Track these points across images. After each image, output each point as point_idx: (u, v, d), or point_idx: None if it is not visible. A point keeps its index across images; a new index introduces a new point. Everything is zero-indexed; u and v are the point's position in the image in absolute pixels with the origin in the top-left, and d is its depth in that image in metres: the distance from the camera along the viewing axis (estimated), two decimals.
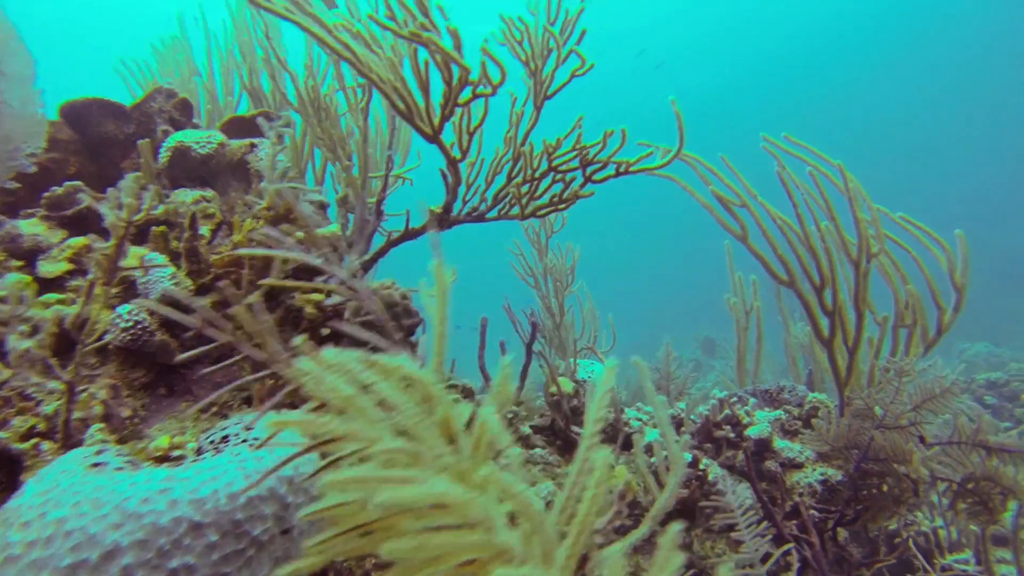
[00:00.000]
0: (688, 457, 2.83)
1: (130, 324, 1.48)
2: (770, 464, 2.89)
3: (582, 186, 1.84)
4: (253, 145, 2.06)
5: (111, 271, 1.26)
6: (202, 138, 1.91)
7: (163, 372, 1.63)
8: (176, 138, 1.91)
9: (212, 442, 1.11)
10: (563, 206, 1.86)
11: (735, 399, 3.28)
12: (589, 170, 1.76)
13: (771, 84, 38.78)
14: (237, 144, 2.03)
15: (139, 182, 1.23)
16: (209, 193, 1.94)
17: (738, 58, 36.20)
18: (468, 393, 2.52)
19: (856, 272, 2.59)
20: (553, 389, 3.06)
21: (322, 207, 2.29)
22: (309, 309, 1.79)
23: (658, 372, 3.79)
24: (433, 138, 1.73)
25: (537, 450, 2.84)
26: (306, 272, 1.92)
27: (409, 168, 2.52)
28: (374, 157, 2.40)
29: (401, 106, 1.65)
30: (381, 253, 2.10)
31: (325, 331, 1.78)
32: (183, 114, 2.03)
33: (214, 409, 1.65)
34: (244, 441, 1.08)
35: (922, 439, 2.51)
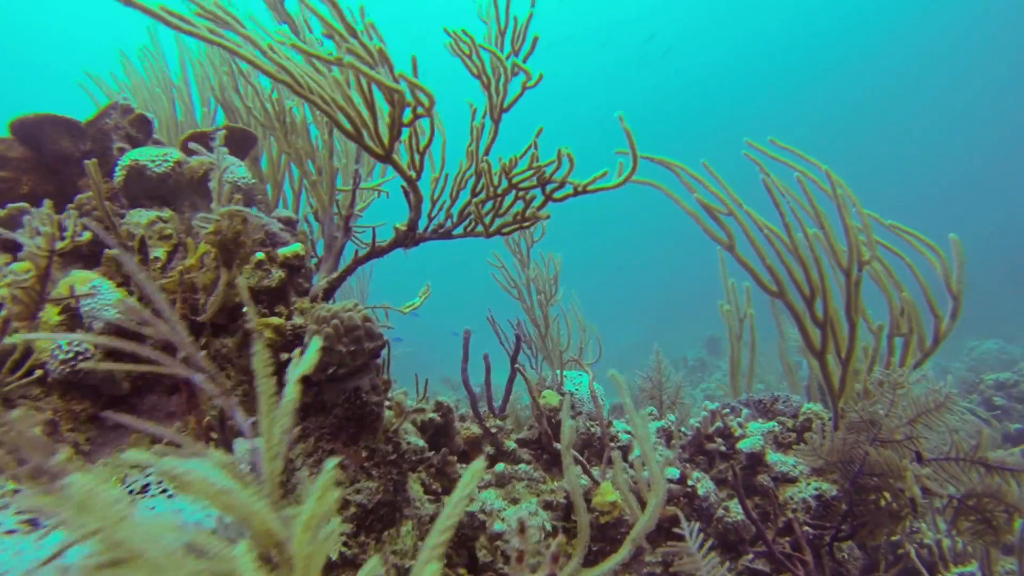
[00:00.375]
0: (676, 473, 2.73)
1: (70, 356, 1.41)
2: (763, 478, 2.79)
3: (542, 205, 1.76)
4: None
5: (36, 302, 1.18)
6: (158, 156, 1.84)
7: (112, 403, 1.56)
8: (131, 156, 1.84)
9: (132, 492, 1.03)
10: (527, 224, 1.77)
11: (728, 410, 3.18)
12: (548, 188, 1.67)
13: (773, 70, 38.23)
14: (198, 161, 1.96)
15: (51, 209, 1.15)
16: (167, 213, 1.86)
17: (742, 41, 35.61)
18: (446, 411, 2.44)
19: (847, 281, 2.49)
20: (541, 401, 2.98)
21: (289, 223, 2.22)
22: (268, 334, 1.72)
23: (650, 380, 3.69)
24: (385, 158, 1.65)
25: (522, 466, 2.75)
26: (268, 295, 1.85)
27: (384, 180, 2.44)
28: (348, 170, 2.32)
29: (348, 127, 1.57)
30: (348, 271, 2.02)
31: (285, 356, 1.70)
32: (140, 131, 1.96)
33: (165, 441, 1.58)
34: (164, 491, 1.01)
35: (919, 455, 2.41)
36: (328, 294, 2.04)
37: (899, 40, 34.33)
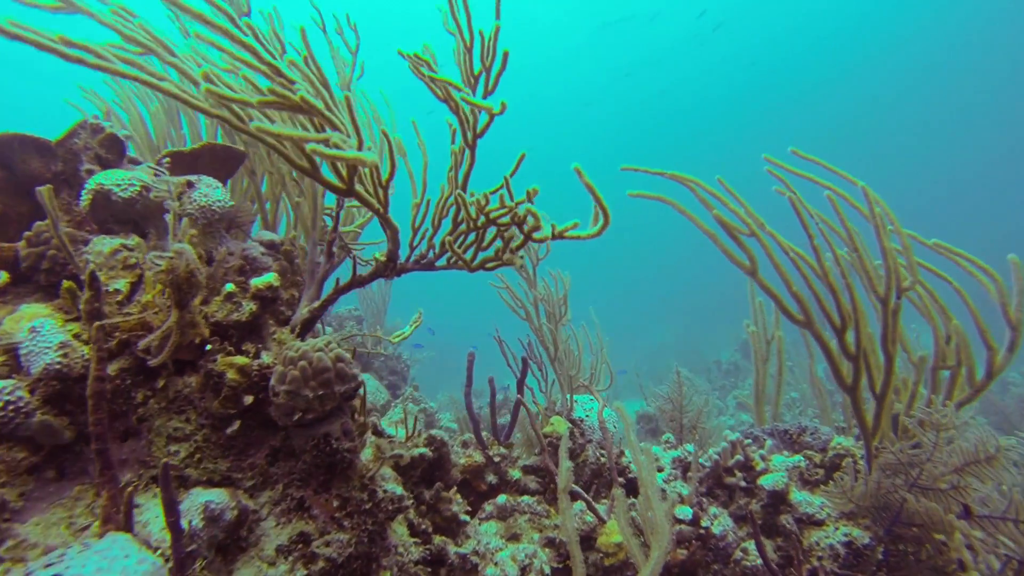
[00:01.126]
0: (688, 512, 2.50)
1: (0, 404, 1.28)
2: (786, 519, 2.53)
3: (520, 245, 1.55)
4: (190, 184, 1.85)
5: None
6: (123, 180, 1.71)
7: (54, 452, 1.43)
8: (96, 180, 1.71)
9: None
10: (508, 260, 1.58)
11: (750, 440, 2.93)
12: (525, 228, 1.47)
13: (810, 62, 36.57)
14: (165, 184, 1.82)
15: None
16: (133, 240, 1.74)
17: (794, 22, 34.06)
18: (439, 446, 2.27)
19: (884, 309, 2.21)
20: (548, 429, 2.78)
21: (272, 247, 2.07)
22: (231, 375, 1.57)
23: (671, 402, 3.45)
24: (347, 192, 1.48)
25: (525, 498, 2.57)
26: (238, 329, 1.70)
27: (366, 220, 2.27)
28: None
29: (303, 164, 1.40)
30: (329, 301, 1.86)
31: (248, 399, 1.55)
32: (111, 151, 1.83)
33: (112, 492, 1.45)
34: None
35: (967, 509, 2.13)
36: (308, 325, 1.89)
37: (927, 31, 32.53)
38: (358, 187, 1.50)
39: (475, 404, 3.63)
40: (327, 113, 1.26)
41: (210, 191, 1.85)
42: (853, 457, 2.57)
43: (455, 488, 2.59)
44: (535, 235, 1.40)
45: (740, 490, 2.67)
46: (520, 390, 2.73)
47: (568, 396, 2.87)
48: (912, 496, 2.22)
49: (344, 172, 1.43)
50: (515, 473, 2.68)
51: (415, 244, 1.74)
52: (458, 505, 2.31)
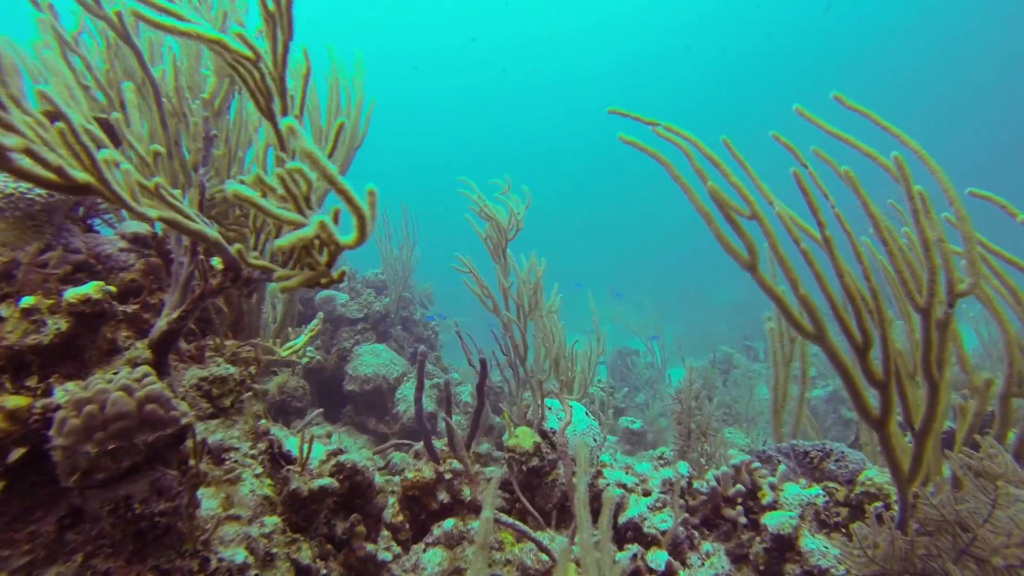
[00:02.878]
0: (662, 560, 2.02)
1: None
2: (791, 568, 2.01)
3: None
4: None
5: None
6: None
7: None
8: None
9: None
10: (320, 273, 1.12)
11: (759, 463, 2.38)
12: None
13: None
14: None
15: None
16: None
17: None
18: (349, 474, 1.88)
19: (925, 323, 1.60)
20: (511, 442, 2.35)
21: (138, 241, 1.70)
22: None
23: (679, 403, 2.92)
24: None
25: (476, 524, 2.17)
26: (41, 356, 1.35)
27: None
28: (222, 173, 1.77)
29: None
30: (188, 312, 1.49)
31: (18, 453, 1.21)
32: None
33: None
34: None
35: None
36: (168, 340, 1.52)
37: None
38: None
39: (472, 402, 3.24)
40: None
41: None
42: (886, 501, 1.99)
43: (399, 512, 2.23)
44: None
45: (742, 525, 2.15)
46: (480, 396, 2.30)
47: (541, 401, 2.41)
48: (957, 569, 1.65)
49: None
50: (467, 492, 2.28)
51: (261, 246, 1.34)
52: (383, 540, 1.95)
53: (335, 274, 1.11)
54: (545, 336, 2.48)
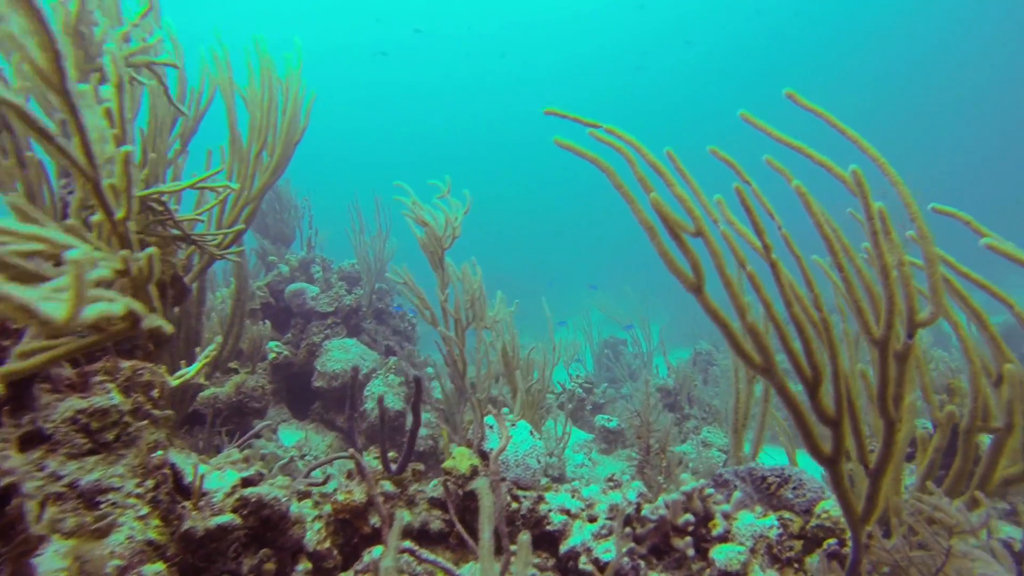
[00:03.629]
0: None
1: None
2: None
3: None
4: None
5: None
6: None
7: None
8: None
9: None
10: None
11: (716, 486, 2.23)
12: None
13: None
14: None
15: None
16: None
17: None
18: (255, 508, 1.71)
19: (882, 355, 1.43)
20: (448, 463, 2.20)
21: None
22: None
23: (638, 416, 2.77)
24: None
25: (405, 557, 2.01)
26: None
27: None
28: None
29: None
30: None
31: None
32: None
33: None
34: None
35: None
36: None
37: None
38: None
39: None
40: None
41: None
42: (841, 536, 1.84)
43: (326, 538, 2.07)
44: None
45: (690, 557, 2.00)
46: (416, 415, 2.14)
47: (484, 419, 2.25)
48: None
49: None
50: (406, 515, 2.13)
51: None
52: (297, 574, 1.79)
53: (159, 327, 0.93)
54: (487, 351, 2.31)
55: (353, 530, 2.13)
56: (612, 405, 6.23)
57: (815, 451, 1.55)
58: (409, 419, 2.17)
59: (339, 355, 5.02)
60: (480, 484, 1.27)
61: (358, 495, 2.08)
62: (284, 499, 1.74)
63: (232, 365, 3.98)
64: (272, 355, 4.93)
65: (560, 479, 3.53)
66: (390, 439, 2.48)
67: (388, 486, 2.13)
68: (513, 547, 1.56)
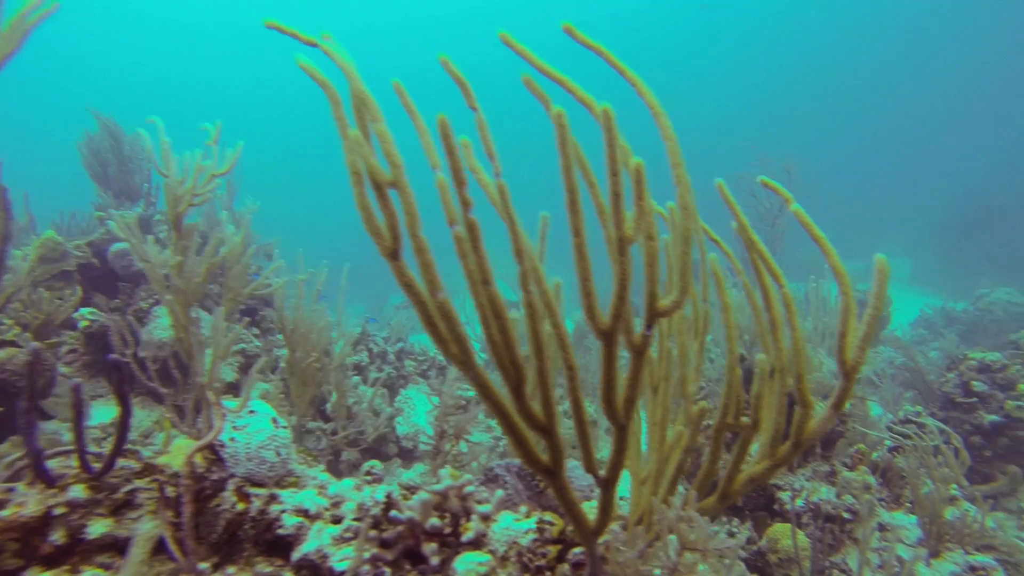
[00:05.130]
0: None
1: None
2: None
3: None
4: None
5: None
6: None
7: None
8: None
9: None
10: None
11: (486, 481, 1.95)
12: None
13: None
14: None
15: None
16: None
17: None
18: None
19: (608, 347, 1.15)
20: (162, 459, 1.78)
21: None
22: None
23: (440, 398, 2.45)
24: None
25: None
26: None
27: None
28: None
29: None
30: None
31: None
32: None
33: None
34: None
35: None
36: None
37: None
38: None
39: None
40: None
41: None
42: (571, 545, 1.60)
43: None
44: None
45: (433, 567, 1.71)
46: (124, 403, 1.69)
47: (214, 408, 1.84)
48: None
49: None
50: (99, 528, 1.70)
51: None
52: None
53: None
54: (216, 330, 1.90)
55: (31, 551, 1.68)
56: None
57: (531, 461, 1.26)
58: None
59: (169, 322, 4.42)
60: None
61: (32, 507, 1.63)
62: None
63: (8, 337, 3.31)
64: (84, 323, 4.25)
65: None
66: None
67: (80, 492, 1.68)
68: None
